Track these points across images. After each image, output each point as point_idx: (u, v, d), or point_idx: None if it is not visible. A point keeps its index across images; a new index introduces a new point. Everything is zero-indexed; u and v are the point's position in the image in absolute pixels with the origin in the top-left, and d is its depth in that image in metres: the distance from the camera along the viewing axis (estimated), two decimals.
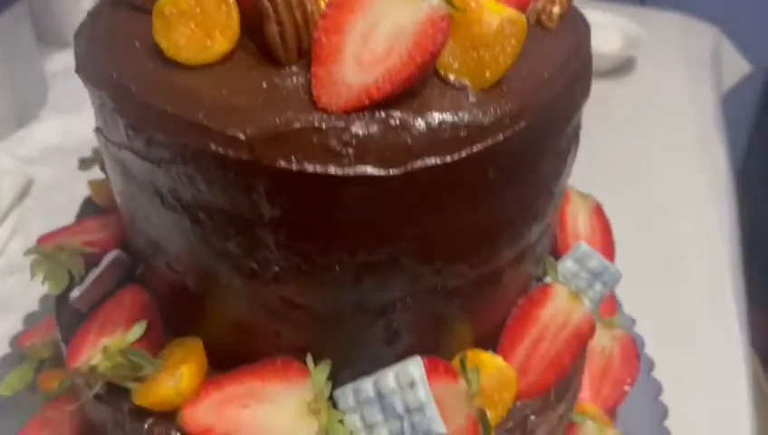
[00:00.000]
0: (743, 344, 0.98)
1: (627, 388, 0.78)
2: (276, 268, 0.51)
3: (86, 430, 0.70)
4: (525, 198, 0.55)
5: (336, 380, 0.57)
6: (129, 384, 0.56)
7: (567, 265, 0.67)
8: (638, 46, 1.51)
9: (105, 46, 0.53)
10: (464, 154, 0.47)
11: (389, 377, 0.56)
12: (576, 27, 0.59)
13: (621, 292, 0.85)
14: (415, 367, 0.55)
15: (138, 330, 0.57)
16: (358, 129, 0.46)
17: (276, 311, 0.54)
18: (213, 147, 0.46)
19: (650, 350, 0.87)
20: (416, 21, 0.46)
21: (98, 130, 0.56)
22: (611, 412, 0.78)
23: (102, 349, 0.56)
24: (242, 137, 0.46)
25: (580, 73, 0.56)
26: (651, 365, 0.86)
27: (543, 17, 0.58)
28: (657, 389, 0.84)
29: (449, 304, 0.56)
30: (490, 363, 0.59)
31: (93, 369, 0.55)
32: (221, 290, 0.55)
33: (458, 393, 0.55)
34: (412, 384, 0.55)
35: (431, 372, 0.55)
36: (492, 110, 0.48)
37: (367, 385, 0.56)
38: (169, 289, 0.59)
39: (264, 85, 0.48)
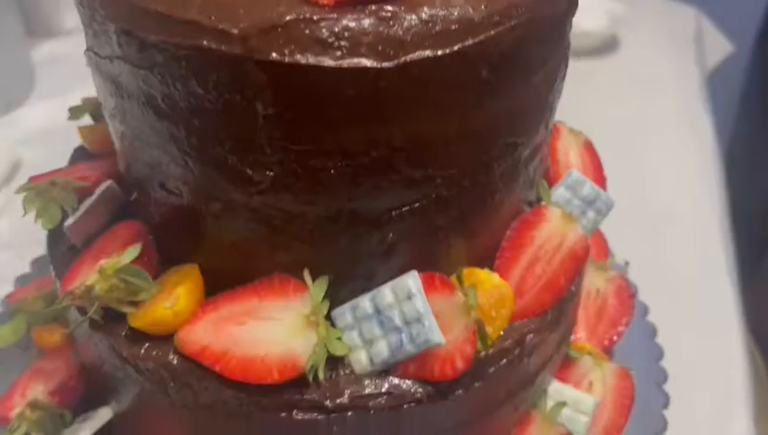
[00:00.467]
0: (735, 300, 0.99)
1: (622, 328, 0.79)
2: (271, 173, 0.51)
3: (82, 377, 0.70)
4: (517, 108, 0.55)
5: (333, 301, 0.57)
6: (126, 308, 0.56)
7: (560, 191, 0.67)
8: (623, 25, 1.53)
9: None
10: (455, 48, 0.48)
11: (386, 291, 0.56)
12: None
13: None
14: (412, 279, 0.55)
15: (133, 251, 0.57)
16: (350, 21, 0.46)
17: (272, 224, 0.54)
18: (206, 43, 0.46)
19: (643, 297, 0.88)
20: None
21: (88, 49, 0.56)
22: (607, 352, 0.78)
23: (98, 270, 0.55)
24: (234, 31, 0.46)
25: None
26: (646, 310, 0.86)
27: None
28: (653, 331, 0.84)
29: (444, 216, 0.56)
30: (487, 280, 0.59)
31: (89, 290, 0.54)
32: (217, 206, 0.54)
33: (456, 306, 0.55)
34: (409, 296, 0.54)
35: (428, 284, 0.55)
36: (483, 6, 0.49)
37: (364, 301, 0.56)
38: (164, 215, 0.59)
39: None
